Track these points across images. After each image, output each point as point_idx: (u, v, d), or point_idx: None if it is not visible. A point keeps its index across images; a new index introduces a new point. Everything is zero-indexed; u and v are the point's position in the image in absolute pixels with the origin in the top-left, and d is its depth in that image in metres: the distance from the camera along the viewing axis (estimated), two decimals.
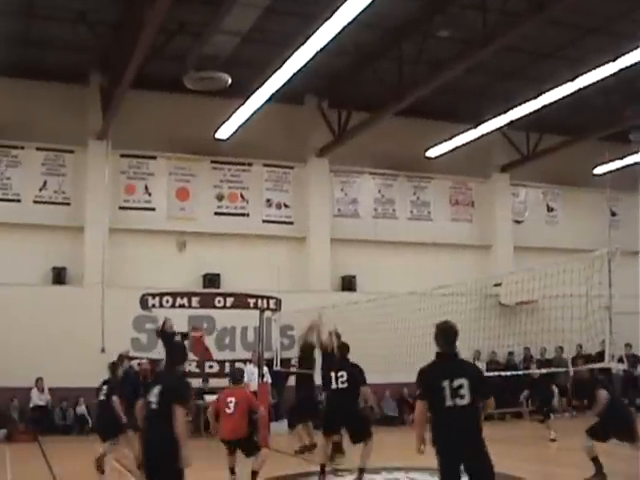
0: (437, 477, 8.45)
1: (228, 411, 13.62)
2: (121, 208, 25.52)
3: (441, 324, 8.96)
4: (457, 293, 20.40)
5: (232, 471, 13.71)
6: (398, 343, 18.36)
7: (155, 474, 8.75)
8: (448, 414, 8.37)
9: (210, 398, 23.60)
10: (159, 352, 24.46)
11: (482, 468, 8.32)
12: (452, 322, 9.03)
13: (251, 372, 21.78)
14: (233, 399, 13.65)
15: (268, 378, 21.77)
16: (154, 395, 9.01)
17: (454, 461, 8.36)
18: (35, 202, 24.82)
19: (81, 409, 23.48)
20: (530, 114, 24.21)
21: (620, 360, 12.33)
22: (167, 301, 25.27)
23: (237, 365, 23.85)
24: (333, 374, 14.33)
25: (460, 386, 8.34)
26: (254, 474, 13.40)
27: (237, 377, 14.95)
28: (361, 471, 13.82)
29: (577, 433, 14.50)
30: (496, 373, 16.67)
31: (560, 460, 16.92)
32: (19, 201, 24.70)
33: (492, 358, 26.65)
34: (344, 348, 14.87)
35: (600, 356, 12.89)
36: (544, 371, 21.80)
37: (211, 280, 25.87)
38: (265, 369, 21.64)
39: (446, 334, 8.81)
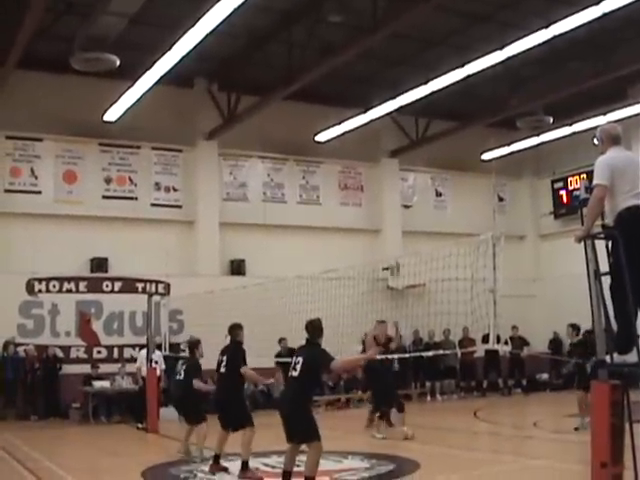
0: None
1: None
2: (6, 191, 24.96)
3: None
4: (346, 277, 20.58)
5: None
6: (287, 327, 18.40)
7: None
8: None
9: (99, 384, 23.47)
10: (46, 338, 24.28)
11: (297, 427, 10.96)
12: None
13: (143, 357, 21.55)
14: None
15: (161, 363, 21.56)
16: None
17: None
18: None
19: None
20: (419, 100, 24.49)
21: (505, 343, 12.54)
22: (54, 286, 24.87)
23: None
24: (220, 357, 14.01)
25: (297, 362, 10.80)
26: None
27: None
28: (215, 458, 13.74)
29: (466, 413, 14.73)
30: (384, 356, 16.75)
31: (453, 441, 17.16)
32: None
33: None
34: (231, 329, 14.45)
35: (485, 338, 13.08)
36: (431, 353, 22.10)
37: (99, 264, 25.54)
38: (158, 353, 21.47)
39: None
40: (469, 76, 22.49)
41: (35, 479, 13.32)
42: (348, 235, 29.19)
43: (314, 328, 11.14)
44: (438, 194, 31.78)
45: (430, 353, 22.18)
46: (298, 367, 10.71)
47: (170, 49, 19.57)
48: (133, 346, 24.28)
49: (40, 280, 24.73)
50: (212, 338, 20.23)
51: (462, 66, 22.05)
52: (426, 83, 23.34)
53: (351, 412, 24.62)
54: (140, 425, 20.64)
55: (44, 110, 24.87)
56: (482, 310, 12.38)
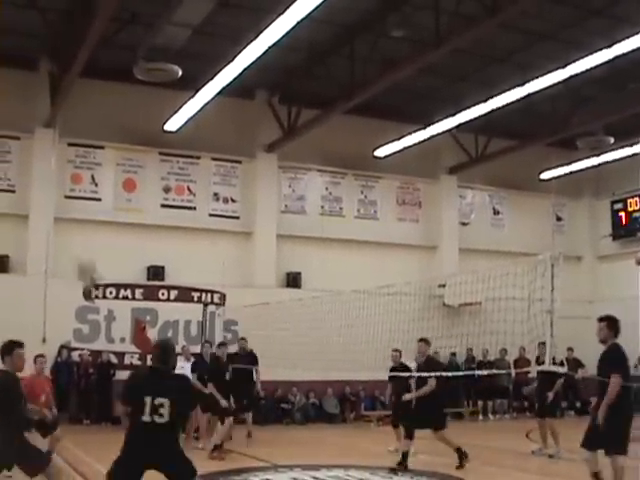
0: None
1: None
2: (67, 197, 25.28)
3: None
4: (402, 293, 20.48)
5: None
6: (341, 341, 18.40)
7: None
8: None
9: None
10: (101, 343, 24.47)
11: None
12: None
13: (181, 367, 21.41)
14: None
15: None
16: None
17: None
18: None
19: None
20: (479, 117, 24.39)
21: (561, 363, 12.38)
22: (111, 292, 25.04)
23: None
24: None
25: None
26: None
27: None
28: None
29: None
30: (438, 374, 16.62)
31: (503, 461, 16.98)
32: None
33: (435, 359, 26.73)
34: None
35: (539, 359, 12.96)
36: (485, 372, 21.91)
37: (155, 272, 25.72)
38: (186, 365, 21.10)
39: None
40: (530, 94, 22.37)
41: None
42: (405, 251, 29.11)
43: None
44: (496, 212, 31.59)
45: (484, 372, 21.97)
46: None
47: (232, 60, 19.68)
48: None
49: (97, 286, 24.90)
50: (266, 349, 20.35)
51: (523, 84, 21.94)
52: (486, 100, 23.24)
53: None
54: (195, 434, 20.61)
55: (106, 118, 25.14)
56: (539, 330, 12.27)
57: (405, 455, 15.06)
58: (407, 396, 16.13)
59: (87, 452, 17.15)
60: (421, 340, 16.25)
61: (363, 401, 26.44)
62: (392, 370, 18.23)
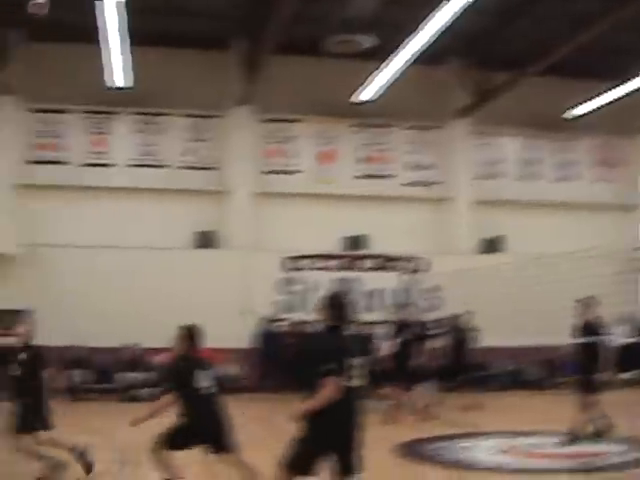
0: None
1: None
2: (264, 172, 25.87)
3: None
4: (599, 255, 20.04)
5: None
6: (541, 307, 18.20)
7: None
8: None
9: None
10: (301, 314, 24.94)
11: None
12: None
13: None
14: None
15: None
16: None
17: None
18: (180, 167, 25.40)
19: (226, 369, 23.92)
20: None
21: None
22: (311, 263, 25.49)
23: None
24: None
25: None
26: None
27: None
28: None
29: None
30: None
31: None
32: (165, 167, 25.33)
33: (635, 323, 26.02)
34: None
35: None
36: None
37: (354, 243, 26.00)
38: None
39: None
40: None
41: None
42: (603, 212, 28.36)
43: None
44: None
45: None
46: None
47: (422, 28, 19.60)
48: (388, 323, 24.53)
49: (297, 258, 25.43)
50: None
51: None
52: None
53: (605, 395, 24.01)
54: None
55: (300, 93, 25.50)
56: None
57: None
58: None
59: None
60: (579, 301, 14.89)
61: (565, 366, 25.94)
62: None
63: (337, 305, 7.87)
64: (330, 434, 7.58)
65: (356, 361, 7.63)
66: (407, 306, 19.47)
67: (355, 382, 7.60)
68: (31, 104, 24.59)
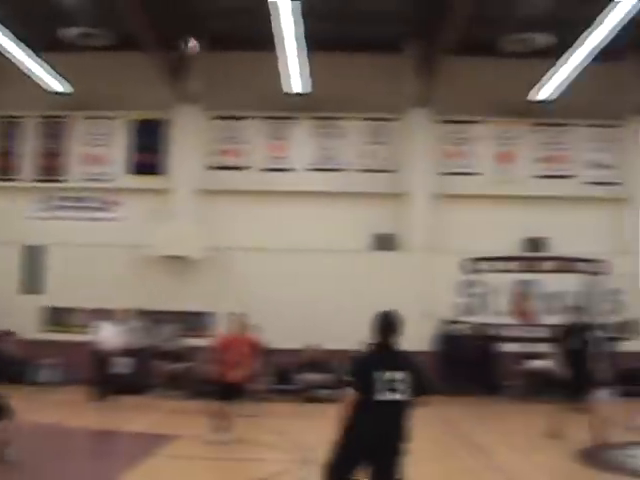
0: None
1: None
2: (443, 174, 25.78)
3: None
4: None
5: None
6: None
7: None
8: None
9: (535, 363, 23.54)
10: (482, 316, 24.77)
11: None
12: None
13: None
14: None
15: None
16: None
17: None
18: (359, 170, 25.57)
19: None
20: None
21: None
22: (491, 266, 25.29)
23: None
24: None
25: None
26: None
27: None
28: None
29: None
30: None
31: None
32: (344, 170, 25.55)
33: None
34: None
35: None
36: None
37: (534, 244, 25.62)
38: None
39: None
40: None
41: (478, 452, 13.66)
42: None
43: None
44: None
45: None
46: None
47: (599, 23, 19.13)
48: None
49: (476, 260, 25.25)
50: None
51: None
52: None
53: None
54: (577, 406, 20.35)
55: (477, 93, 25.34)
56: None
57: None
58: None
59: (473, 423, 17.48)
60: None
61: None
62: None
63: (383, 323, 8.38)
64: (358, 442, 7.94)
65: (388, 375, 7.92)
66: (580, 309, 18.74)
67: (387, 396, 7.87)
68: (212, 112, 25.39)
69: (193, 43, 17.84)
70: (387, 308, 8.50)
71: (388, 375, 7.92)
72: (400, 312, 8.58)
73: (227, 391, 14.26)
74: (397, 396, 7.89)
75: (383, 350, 8.24)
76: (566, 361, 15.43)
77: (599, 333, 18.20)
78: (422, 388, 8.12)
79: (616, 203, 26.27)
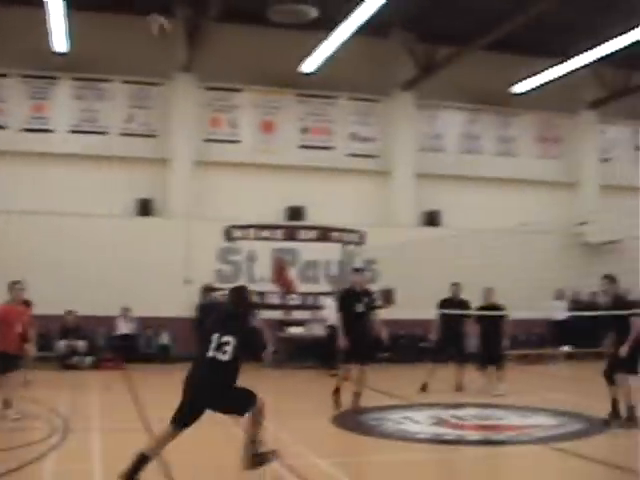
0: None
1: None
2: (206, 140, 25.73)
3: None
4: (541, 231, 20.26)
5: None
6: (478, 279, 18.27)
7: None
8: None
9: (293, 330, 23.97)
10: (242, 284, 24.92)
11: None
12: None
13: (330, 305, 21.65)
14: None
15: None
16: None
17: None
18: (121, 134, 25.17)
19: (165, 338, 23.92)
20: (621, 49, 23.61)
21: None
22: (251, 233, 25.48)
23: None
24: None
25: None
26: None
27: None
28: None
29: None
30: (579, 313, 16.40)
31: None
32: (105, 133, 25.06)
33: (575, 297, 26.38)
34: None
35: None
36: (627, 313, 21.45)
37: (295, 213, 26.00)
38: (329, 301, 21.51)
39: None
40: None
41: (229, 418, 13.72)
42: (543, 188, 28.50)
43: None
44: (638, 148, 30.59)
45: (625, 312, 21.45)
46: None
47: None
48: (327, 294, 24.54)
49: (238, 227, 25.38)
50: (406, 287, 20.42)
51: None
52: (629, 31, 22.45)
53: (543, 368, 24.37)
54: (333, 372, 20.84)
55: (243, 62, 25.40)
56: None
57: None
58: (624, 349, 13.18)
59: None
60: (605, 277, 14.19)
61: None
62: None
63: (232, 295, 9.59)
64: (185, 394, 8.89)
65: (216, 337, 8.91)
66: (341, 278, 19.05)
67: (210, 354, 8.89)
68: None
69: None
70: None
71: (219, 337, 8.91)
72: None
73: (8, 363, 13.72)
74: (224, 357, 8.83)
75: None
76: (348, 326, 15.28)
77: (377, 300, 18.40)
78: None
79: (377, 176, 27.04)
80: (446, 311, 17.92)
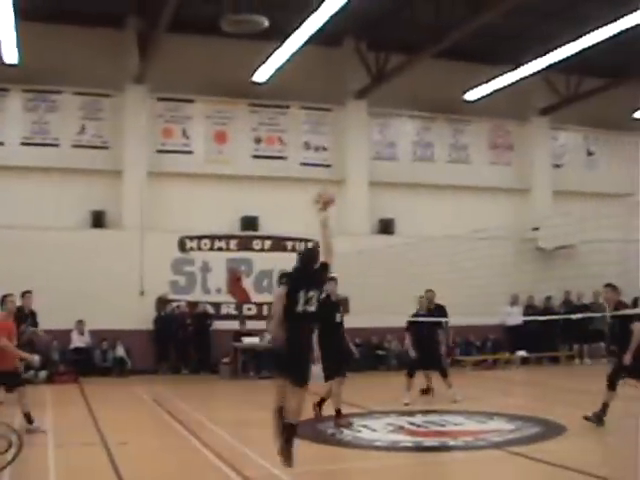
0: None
1: None
2: (159, 152, 25.63)
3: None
4: (495, 237, 20.36)
5: None
6: (434, 287, 18.35)
7: None
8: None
9: (248, 340, 23.90)
10: (197, 294, 24.92)
11: None
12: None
13: None
14: None
15: None
16: None
17: None
18: (73, 146, 24.98)
19: (120, 350, 23.76)
20: (571, 56, 23.82)
21: None
22: (205, 244, 25.41)
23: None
24: None
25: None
26: None
27: None
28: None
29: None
30: (533, 318, 16.52)
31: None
32: (58, 145, 24.86)
33: (530, 302, 26.58)
34: None
35: (637, 302, 12.77)
36: (580, 316, 21.70)
37: (249, 223, 25.94)
38: None
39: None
40: (622, 31, 21.72)
41: (185, 431, 13.67)
42: (497, 195, 28.76)
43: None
44: (589, 153, 30.89)
45: (579, 315, 21.68)
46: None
47: (318, 8, 19.58)
48: None
49: (192, 238, 25.31)
50: (361, 296, 20.44)
51: (616, 20, 21.31)
52: (578, 39, 22.67)
53: (499, 373, 24.51)
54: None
55: (195, 72, 25.38)
56: (634, 273, 12.09)
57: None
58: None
59: (185, 401, 17.55)
60: (607, 286, 14.30)
61: (457, 346, 26.24)
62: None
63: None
64: None
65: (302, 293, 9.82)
66: None
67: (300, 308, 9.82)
68: None
69: None
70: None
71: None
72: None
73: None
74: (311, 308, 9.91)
75: None
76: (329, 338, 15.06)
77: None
78: None
79: (330, 184, 26.94)
80: (421, 319, 17.57)
